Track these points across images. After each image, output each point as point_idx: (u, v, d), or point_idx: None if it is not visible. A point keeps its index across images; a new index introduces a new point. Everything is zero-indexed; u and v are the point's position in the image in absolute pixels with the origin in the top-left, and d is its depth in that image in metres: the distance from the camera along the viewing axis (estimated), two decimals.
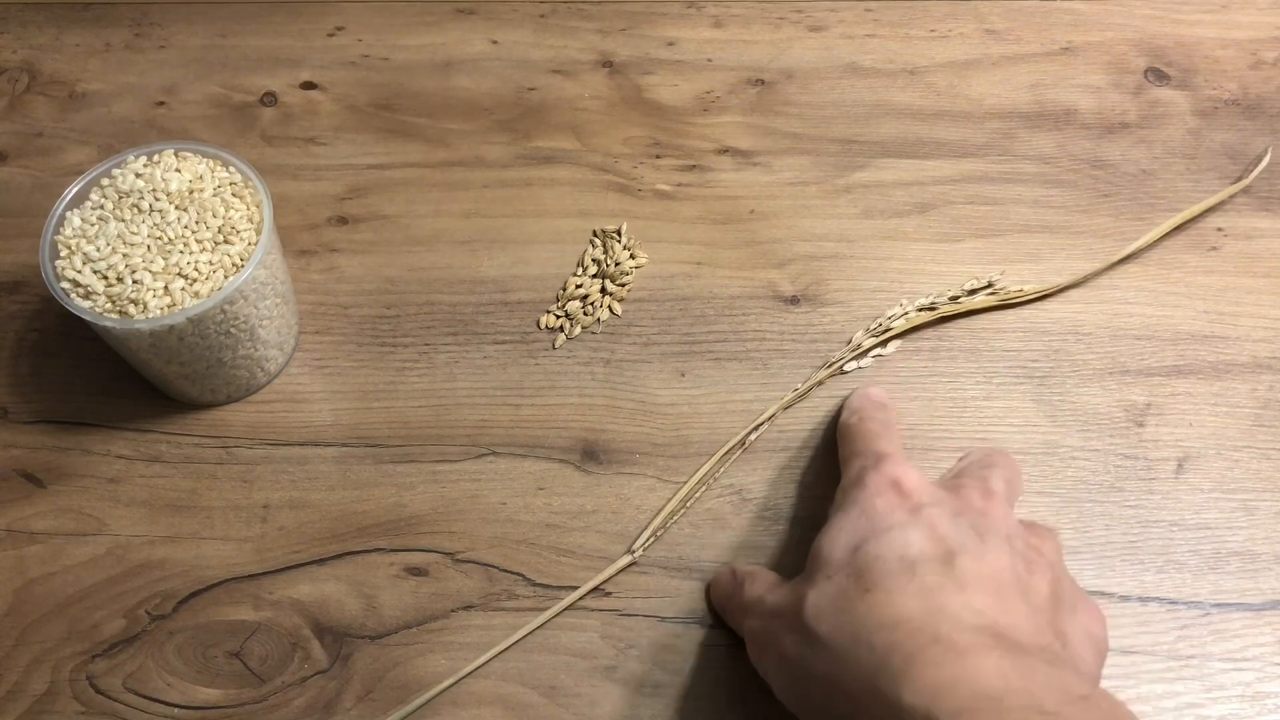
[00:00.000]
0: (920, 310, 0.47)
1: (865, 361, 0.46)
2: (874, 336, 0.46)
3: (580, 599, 0.40)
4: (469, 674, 0.39)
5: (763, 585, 0.37)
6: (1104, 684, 0.38)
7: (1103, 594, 0.41)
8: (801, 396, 0.45)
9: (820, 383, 0.46)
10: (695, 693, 0.39)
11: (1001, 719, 0.27)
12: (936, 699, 0.28)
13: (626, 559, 0.41)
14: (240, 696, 0.39)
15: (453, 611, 0.41)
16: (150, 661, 0.39)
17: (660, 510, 0.42)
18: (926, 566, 0.32)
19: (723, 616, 0.40)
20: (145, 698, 0.39)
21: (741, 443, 0.44)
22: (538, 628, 0.40)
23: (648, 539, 0.41)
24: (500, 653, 0.39)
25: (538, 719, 0.38)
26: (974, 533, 0.33)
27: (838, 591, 0.33)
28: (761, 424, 0.45)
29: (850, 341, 0.46)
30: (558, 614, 0.40)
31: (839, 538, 0.34)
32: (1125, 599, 0.41)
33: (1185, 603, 0.41)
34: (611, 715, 0.38)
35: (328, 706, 0.39)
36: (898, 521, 0.34)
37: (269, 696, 0.39)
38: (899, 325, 0.47)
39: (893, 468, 0.36)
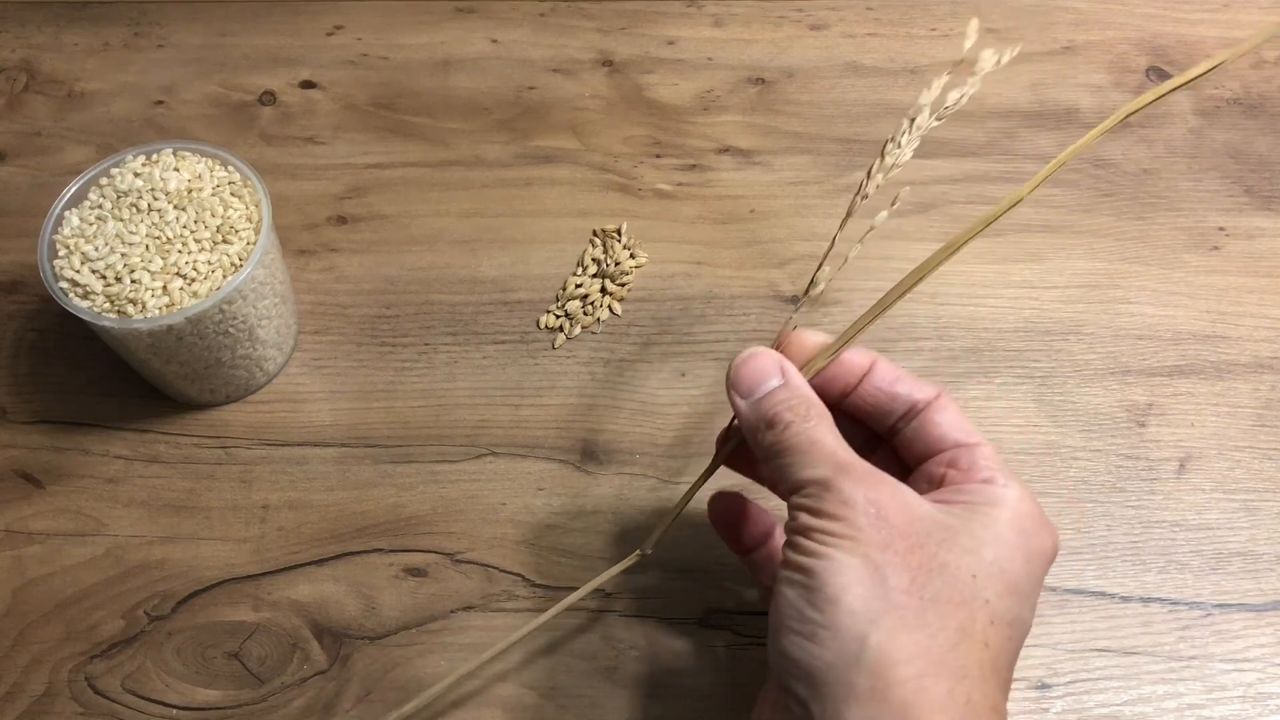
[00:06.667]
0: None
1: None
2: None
3: (580, 599, 0.38)
4: (468, 673, 0.38)
5: None
6: (1106, 685, 0.39)
7: (1104, 594, 0.41)
8: None
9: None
10: (695, 693, 0.39)
11: None
12: None
13: (635, 556, 0.38)
14: (239, 697, 0.39)
15: (452, 612, 0.40)
16: (149, 662, 0.39)
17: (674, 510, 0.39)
18: None
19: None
20: (144, 698, 0.39)
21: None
22: (536, 628, 0.38)
23: (658, 537, 0.38)
24: (501, 651, 0.38)
25: (538, 719, 0.38)
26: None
27: None
28: None
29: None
30: (558, 613, 0.39)
31: None
32: (1127, 599, 0.41)
33: (1187, 603, 0.41)
34: (611, 716, 0.38)
35: (327, 707, 0.38)
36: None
37: (268, 697, 0.39)
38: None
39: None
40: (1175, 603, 0.41)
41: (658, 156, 0.54)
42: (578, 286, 0.48)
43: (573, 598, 0.37)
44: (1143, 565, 0.41)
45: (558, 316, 0.48)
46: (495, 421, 0.45)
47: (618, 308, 0.48)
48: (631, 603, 0.41)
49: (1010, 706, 0.38)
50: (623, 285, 0.48)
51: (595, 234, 0.50)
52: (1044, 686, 0.39)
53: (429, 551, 0.42)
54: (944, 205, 0.51)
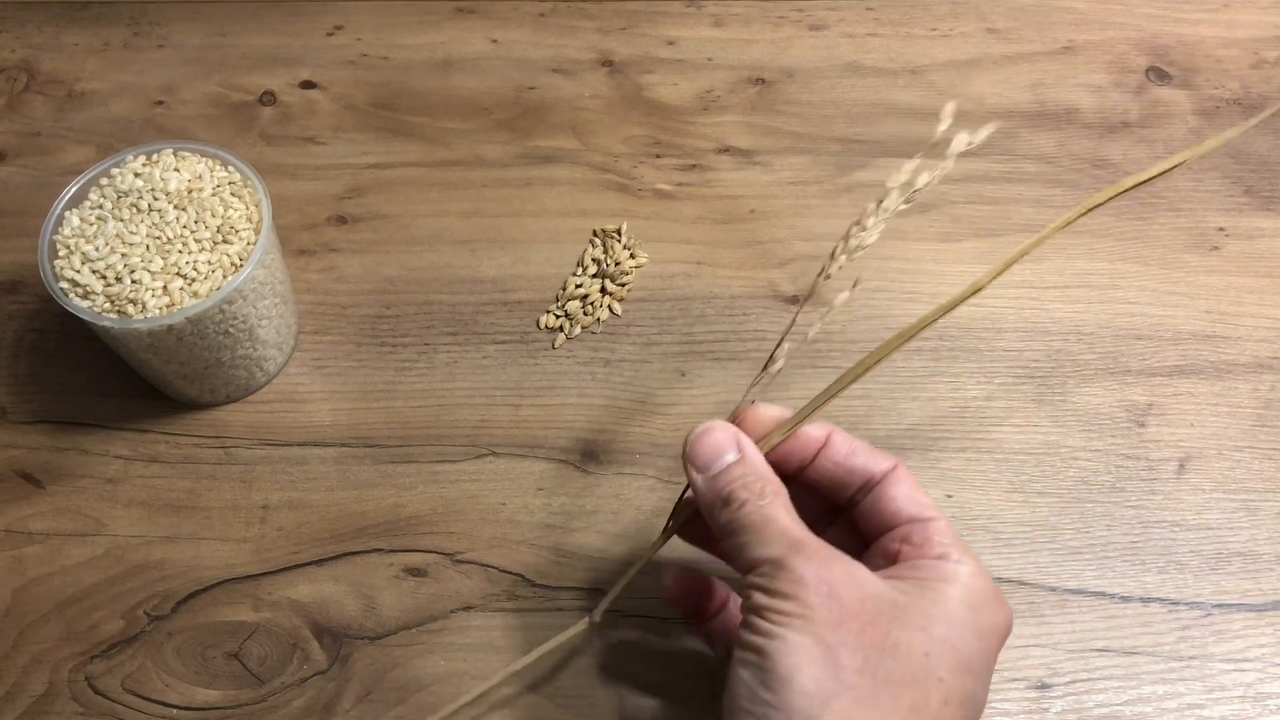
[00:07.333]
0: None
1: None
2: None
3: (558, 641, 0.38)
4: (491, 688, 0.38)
5: None
6: (1106, 685, 0.39)
7: (1104, 594, 0.41)
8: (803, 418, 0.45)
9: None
10: (694, 693, 0.39)
11: None
12: None
13: (585, 622, 0.38)
14: (239, 697, 0.39)
15: (452, 612, 0.40)
16: (149, 662, 0.39)
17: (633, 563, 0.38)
18: None
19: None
20: (144, 698, 0.39)
21: None
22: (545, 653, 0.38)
23: (610, 601, 0.37)
24: (518, 670, 0.38)
25: (537, 719, 0.38)
26: None
27: None
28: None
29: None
30: (506, 676, 0.38)
31: None
32: (1127, 599, 0.41)
33: (1187, 603, 0.41)
34: (611, 716, 0.38)
35: (327, 707, 0.38)
36: None
37: (268, 697, 0.39)
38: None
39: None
40: (1175, 603, 0.41)
41: (658, 156, 0.54)
42: (578, 286, 0.48)
43: (524, 660, 0.37)
44: (1142, 565, 0.41)
45: (558, 316, 0.48)
46: (495, 421, 0.45)
47: (618, 308, 0.48)
48: (631, 603, 0.41)
49: (1010, 706, 0.38)
50: (623, 285, 0.48)
51: (595, 234, 0.50)
52: (1044, 686, 0.39)
53: (429, 551, 0.42)
54: (944, 205, 0.51)
